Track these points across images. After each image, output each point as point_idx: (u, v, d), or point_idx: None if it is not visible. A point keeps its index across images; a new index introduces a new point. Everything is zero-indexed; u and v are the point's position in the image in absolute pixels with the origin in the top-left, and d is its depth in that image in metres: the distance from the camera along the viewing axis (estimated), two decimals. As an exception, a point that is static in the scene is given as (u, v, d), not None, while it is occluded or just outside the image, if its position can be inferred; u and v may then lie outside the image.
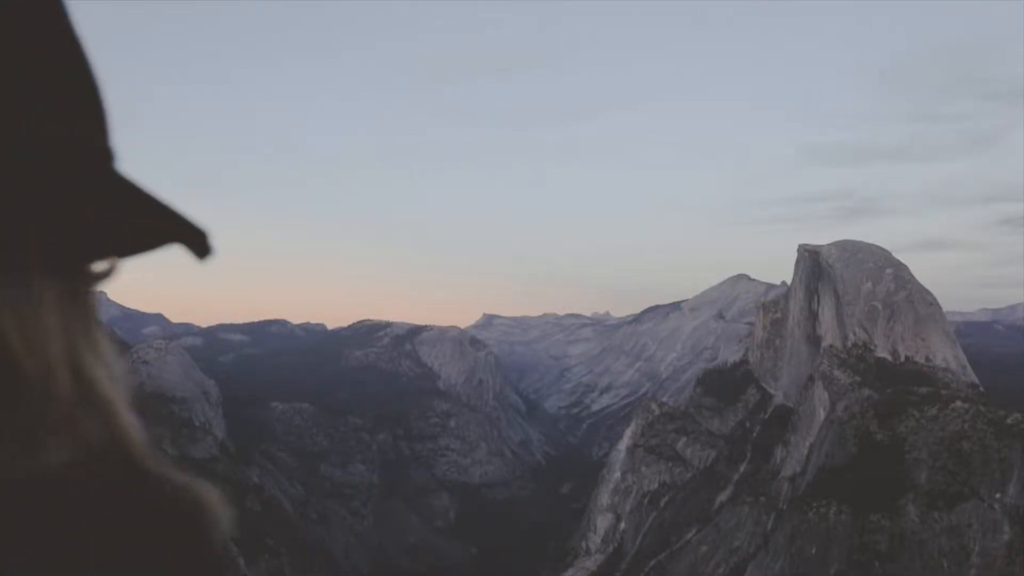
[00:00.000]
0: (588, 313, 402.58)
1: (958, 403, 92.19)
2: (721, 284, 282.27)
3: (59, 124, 0.65)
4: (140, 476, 0.64)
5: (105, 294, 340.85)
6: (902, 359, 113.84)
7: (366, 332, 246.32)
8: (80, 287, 0.69)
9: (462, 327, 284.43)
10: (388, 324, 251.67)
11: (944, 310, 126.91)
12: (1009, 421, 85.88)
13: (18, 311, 0.61)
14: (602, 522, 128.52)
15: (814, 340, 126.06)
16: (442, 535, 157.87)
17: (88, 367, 0.68)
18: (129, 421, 0.69)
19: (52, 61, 0.65)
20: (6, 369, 0.59)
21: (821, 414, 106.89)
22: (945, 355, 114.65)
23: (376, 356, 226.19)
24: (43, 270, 0.64)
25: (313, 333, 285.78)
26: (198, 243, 0.72)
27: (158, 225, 0.71)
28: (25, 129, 0.61)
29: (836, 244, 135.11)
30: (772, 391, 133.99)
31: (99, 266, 0.71)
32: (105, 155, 0.71)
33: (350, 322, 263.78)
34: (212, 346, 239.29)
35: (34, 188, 0.60)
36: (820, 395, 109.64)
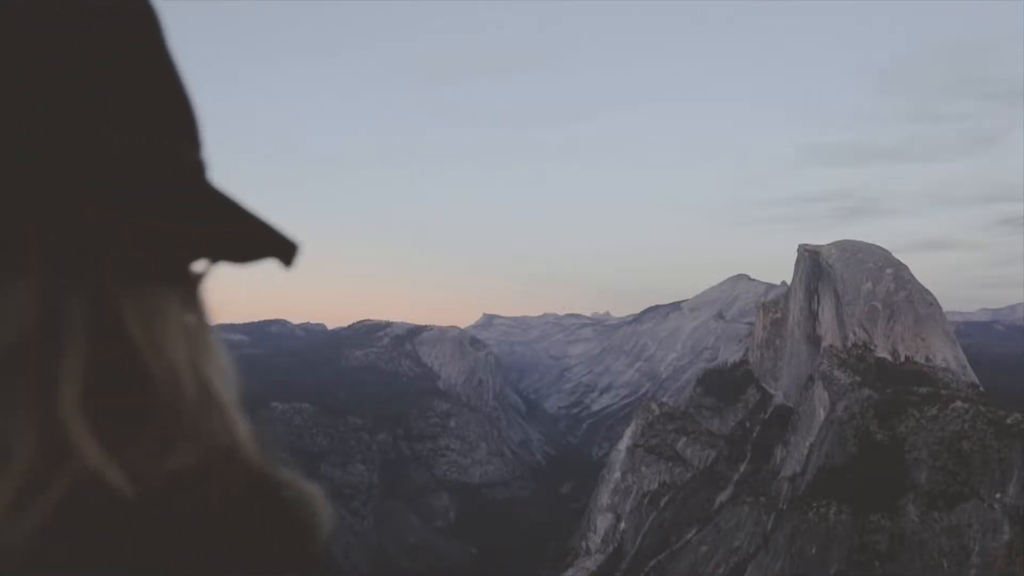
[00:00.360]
0: (588, 313, 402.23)
1: (958, 403, 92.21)
2: (721, 284, 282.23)
3: (161, 140, 0.68)
4: (258, 477, 0.70)
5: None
6: (902, 359, 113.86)
7: (366, 332, 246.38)
8: (192, 293, 0.73)
9: (462, 327, 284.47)
10: (388, 324, 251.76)
11: (944, 310, 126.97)
12: (1009, 421, 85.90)
13: (144, 319, 0.65)
14: (602, 522, 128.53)
15: (814, 340, 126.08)
16: (442, 535, 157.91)
17: (204, 370, 0.72)
18: (242, 423, 0.74)
19: (149, 79, 0.68)
20: (138, 374, 0.63)
21: (821, 414, 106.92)
22: (945, 355, 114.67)
23: (376, 356, 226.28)
24: (161, 279, 0.69)
25: (313, 333, 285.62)
26: (289, 255, 0.75)
27: (258, 237, 0.73)
28: (134, 146, 0.64)
29: (836, 244, 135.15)
30: (772, 391, 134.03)
31: (200, 271, 0.74)
32: (200, 168, 0.75)
33: (350, 322, 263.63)
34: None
35: (150, 202, 0.64)
36: (820, 395, 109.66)
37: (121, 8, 0.67)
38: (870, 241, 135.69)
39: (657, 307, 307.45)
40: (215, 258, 0.70)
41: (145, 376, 0.65)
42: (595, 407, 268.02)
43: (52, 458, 0.55)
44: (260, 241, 0.73)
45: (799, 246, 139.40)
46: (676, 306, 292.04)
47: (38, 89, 0.58)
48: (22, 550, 0.53)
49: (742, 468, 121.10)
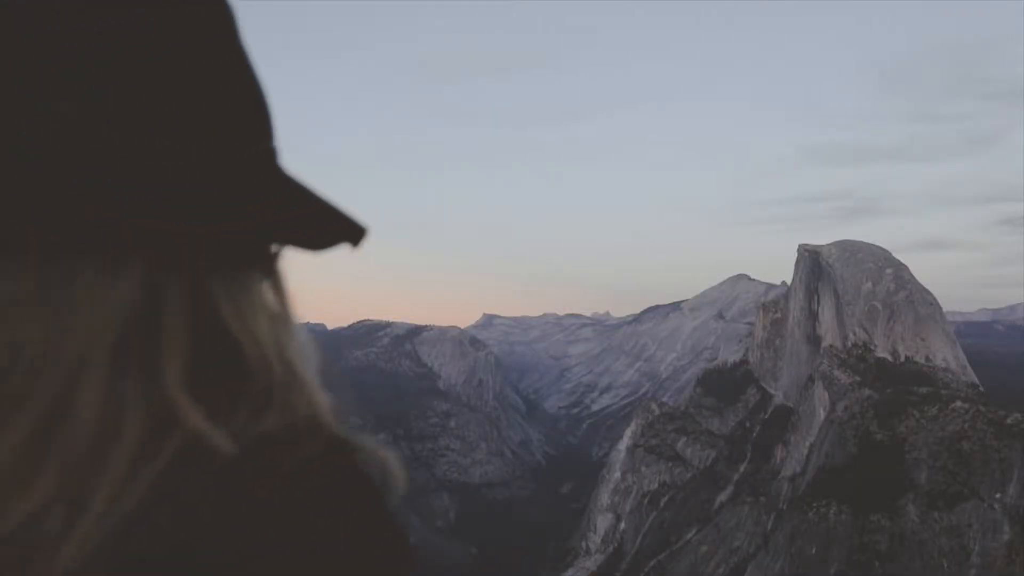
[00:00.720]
0: (588, 313, 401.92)
1: (958, 403, 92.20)
2: (721, 284, 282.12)
3: (237, 132, 0.74)
4: (337, 441, 0.78)
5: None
6: (902, 359, 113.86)
7: (366, 332, 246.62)
8: (274, 276, 0.80)
9: (462, 327, 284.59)
10: (388, 324, 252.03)
11: (944, 310, 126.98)
12: (1009, 421, 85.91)
13: (235, 304, 0.73)
14: (602, 522, 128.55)
15: (814, 340, 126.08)
16: (442, 535, 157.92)
17: (287, 348, 0.81)
18: (321, 396, 0.84)
19: (223, 75, 0.74)
20: (231, 352, 0.72)
21: (821, 414, 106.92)
22: (945, 355, 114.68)
23: (376, 356, 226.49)
24: (248, 265, 0.76)
25: (313, 333, 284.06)
26: (358, 239, 0.79)
27: (331, 223, 0.77)
28: (214, 142, 0.71)
29: (836, 244, 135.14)
30: (772, 391, 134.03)
31: (278, 255, 0.81)
32: (273, 155, 0.80)
33: (350, 322, 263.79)
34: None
35: (232, 193, 0.70)
36: (820, 395, 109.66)
37: (199, 10, 0.72)
38: (870, 241, 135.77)
39: (657, 307, 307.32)
40: (292, 244, 0.77)
41: (238, 353, 0.73)
42: (595, 407, 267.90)
43: (160, 428, 0.63)
44: (333, 227, 0.77)
45: (799, 246, 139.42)
46: (676, 306, 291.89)
47: (150, 94, 0.65)
48: (136, 510, 0.59)
49: (742, 468, 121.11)
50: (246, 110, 0.77)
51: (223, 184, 0.70)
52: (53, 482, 0.57)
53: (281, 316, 0.81)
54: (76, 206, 0.58)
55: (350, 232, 0.78)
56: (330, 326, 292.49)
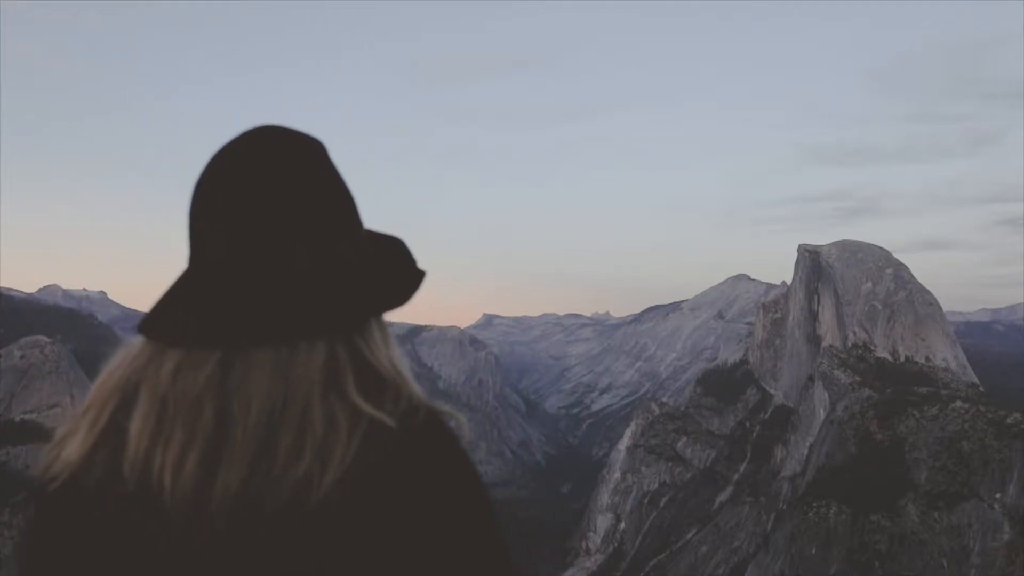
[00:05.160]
0: (588, 313, 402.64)
1: (958, 403, 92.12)
2: (721, 284, 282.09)
3: (357, 231, 1.35)
4: (434, 411, 1.28)
5: (106, 294, 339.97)
6: (902, 359, 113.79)
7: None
8: (380, 317, 1.36)
9: (462, 327, 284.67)
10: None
11: (944, 310, 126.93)
12: (1009, 421, 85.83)
13: (369, 343, 1.29)
14: (602, 522, 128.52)
15: (814, 340, 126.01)
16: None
17: (395, 358, 1.33)
18: (414, 384, 1.32)
19: (343, 195, 1.33)
20: (374, 371, 1.26)
21: (821, 414, 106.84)
22: (945, 355, 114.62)
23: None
24: (375, 314, 1.32)
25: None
26: (419, 284, 1.38)
27: (413, 280, 1.36)
28: (351, 243, 1.32)
29: (836, 244, 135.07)
30: (772, 391, 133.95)
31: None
32: (370, 238, 1.40)
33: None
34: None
35: (368, 281, 1.31)
36: (820, 395, 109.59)
37: (315, 156, 1.31)
38: (870, 241, 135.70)
39: (657, 307, 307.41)
40: (399, 306, 1.35)
41: (376, 370, 1.27)
42: (595, 407, 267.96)
43: (354, 418, 1.19)
44: (417, 282, 1.36)
45: (799, 246, 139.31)
46: (676, 306, 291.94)
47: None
48: (354, 462, 1.16)
49: (742, 468, 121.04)
50: (356, 209, 1.37)
51: (367, 273, 1.32)
52: (311, 454, 1.14)
53: (388, 336, 1.34)
54: (321, 308, 1.24)
55: (419, 281, 1.37)
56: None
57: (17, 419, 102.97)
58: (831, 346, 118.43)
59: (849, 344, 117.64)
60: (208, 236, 1.24)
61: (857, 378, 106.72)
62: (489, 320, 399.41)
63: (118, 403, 1.25)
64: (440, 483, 1.22)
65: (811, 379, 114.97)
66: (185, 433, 1.16)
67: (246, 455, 1.14)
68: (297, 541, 1.14)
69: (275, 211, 1.23)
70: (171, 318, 1.25)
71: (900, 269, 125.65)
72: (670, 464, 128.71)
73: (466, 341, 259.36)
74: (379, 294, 1.32)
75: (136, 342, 1.30)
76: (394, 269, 1.36)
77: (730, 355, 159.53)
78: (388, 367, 1.29)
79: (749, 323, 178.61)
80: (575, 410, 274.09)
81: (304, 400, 1.18)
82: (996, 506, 79.25)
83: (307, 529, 1.14)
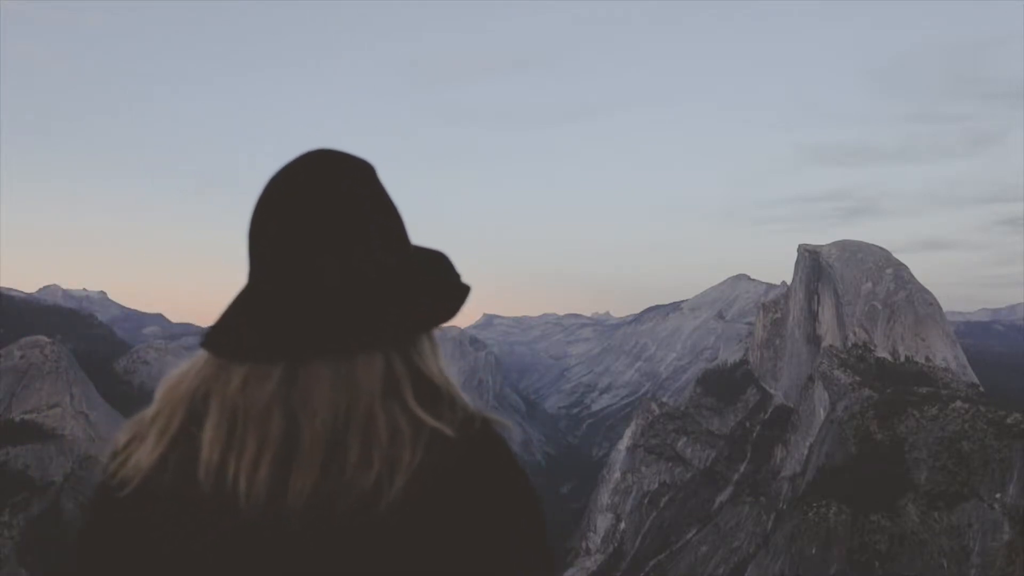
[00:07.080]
0: (588, 313, 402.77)
1: (958, 403, 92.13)
2: (721, 284, 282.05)
3: (408, 248, 1.44)
4: (486, 419, 1.38)
5: (106, 294, 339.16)
6: (902, 359, 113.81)
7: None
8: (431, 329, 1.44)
9: (462, 327, 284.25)
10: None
11: (944, 310, 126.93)
12: (1009, 421, 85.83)
13: (422, 355, 1.36)
14: (602, 522, 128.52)
15: (814, 340, 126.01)
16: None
17: (444, 370, 1.41)
18: (467, 399, 1.40)
19: (393, 215, 1.43)
20: (428, 382, 1.35)
21: (821, 414, 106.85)
22: (945, 355, 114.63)
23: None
24: (428, 327, 1.40)
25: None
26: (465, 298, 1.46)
27: (459, 296, 1.43)
28: (405, 260, 1.40)
29: (836, 244, 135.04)
30: (772, 391, 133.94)
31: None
32: (420, 255, 1.47)
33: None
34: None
35: (416, 297, 1.38)
36: (820, 395, 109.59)
37: (366, 176, 1.43)
38: (870, 241, 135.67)
39: (657, 307, 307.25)
40: (446, 319, 1.42)
41: (431, 381, 1.35)
42: (595, 407, 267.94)
43: (414, 429, 1.27)
44: (461, 297, 1.43)
45: (799, 246, 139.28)
46: (676, 306, 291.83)
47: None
48: (418, 468, 1.24)
49: (742, 468, 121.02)
50: (404, 226, 1.45)
51: (419, 288, 1.39)
52: (380, 463, 1.22)
53: (437, 347, 1.42)
54: (379, 322, 1.31)
55: (467, 294, 1.45)
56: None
57: (17, 419, 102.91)
58: (831, 346, 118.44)
59: (849, 344, 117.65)
60: (268, 255, 1.31)
61: (857, 378, 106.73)
62: (489, 320, 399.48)
63: (186, 413, 1.32)
64: (500, 490, 1.31)
65: (811, 379, 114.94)
66: (257, 441, 1.24)
67: (316, 461, 1.22)
68: (367, 543, 1.21)
69: (329, 230, 1.30)
70: (235, 334, 1.31)
71: (900, 269, 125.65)
72: (670, 464, 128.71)
73: (466, 341, 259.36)
74: (430, 308, 1.38)
75: (200, 355, 1.37)
76: (442, 283, 1.43)
77: (730, 355, 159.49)
78: (440, 377, 1.37)
79: (749, 323, 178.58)
80: (575, 410, 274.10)
81: (367, 409, 1.25)
82: (996, 506, 79.26)
83: (377, 532, 1.21)
